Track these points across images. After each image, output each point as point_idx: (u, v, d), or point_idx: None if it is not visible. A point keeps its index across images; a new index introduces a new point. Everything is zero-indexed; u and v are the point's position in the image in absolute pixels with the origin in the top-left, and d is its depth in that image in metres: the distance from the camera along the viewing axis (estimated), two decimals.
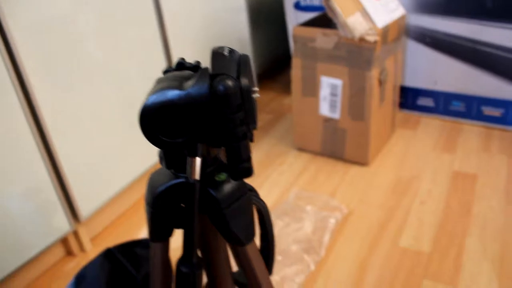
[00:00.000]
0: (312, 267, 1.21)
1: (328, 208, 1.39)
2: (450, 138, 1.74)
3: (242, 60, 0.47)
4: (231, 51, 0.48)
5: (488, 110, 1.77)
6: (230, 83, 0.43)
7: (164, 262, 0.58)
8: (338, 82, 1.50)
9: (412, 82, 1.87)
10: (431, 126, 1.83)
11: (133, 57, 1.35)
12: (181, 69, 0.48)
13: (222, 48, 0.48)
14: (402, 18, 1.57)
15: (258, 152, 1.75)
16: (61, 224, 1.24)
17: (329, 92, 1.54)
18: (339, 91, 1.52)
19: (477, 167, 1.56)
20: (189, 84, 0.44)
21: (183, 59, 0.49)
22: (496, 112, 1.75)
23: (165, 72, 0.49)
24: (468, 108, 1.80)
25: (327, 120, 1.60)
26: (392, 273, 1.18)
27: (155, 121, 0.45)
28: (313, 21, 1.59)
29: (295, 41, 1.54)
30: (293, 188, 1.52)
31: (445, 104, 1.84)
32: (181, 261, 0.49)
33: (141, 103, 0.46)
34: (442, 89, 1.82)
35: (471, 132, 1.77)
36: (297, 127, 1.70)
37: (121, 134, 1.35)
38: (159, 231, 0.56)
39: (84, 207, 1.28)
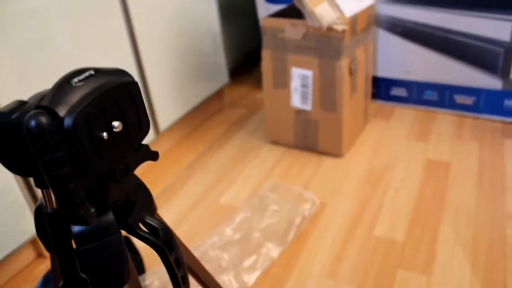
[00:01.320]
0: (274, 255, 1.19)
1: (301, 199, 1.37)
2: (423, 127, 1.74)
3: (104, 89, 0.41)
4: (90, 77, 0.42)
5: (460, 98, 1.77)
6: (40, 119, 0.37)
7: (57, 274, 0.53)
8: (309, 73, 1.48)
9: (385, 72, 1.86)
10: (404, 116, 1.83)
11: (99, 49, 1.31)
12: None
13: (78, 72, 0.42)
14: (371, 7, 1.55)
15: (231, 147, 1.72)
16: (31, 225, 1.20)
17: (300, 83, 1.52)
18: (310, 82, 1.50)
19: (450, 154, 1.56)
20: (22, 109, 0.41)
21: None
22: (468, 100, 1.75)
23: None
24: (441, 97, 1.80)
25: (299, 112, 1.58)
26: (367, 263, 1.16)
27: None
28: (282, 12, 1.57)
29: (264, 33, 1.51)
30: (266, 181, 1.49)
31: (418, 94, 1.84)
32: (63, 286, 0.45)
33: None
34: (415, 79, 1.82)
35: (444, 120, 1.77)
36: (269, 120, 1.68)
37: None
38: (49, 244, 0.51)
39: None
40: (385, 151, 1.61)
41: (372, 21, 1.61)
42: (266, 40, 1.53)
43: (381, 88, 1.90)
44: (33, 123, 0.37)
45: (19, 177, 1.14)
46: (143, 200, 0.49)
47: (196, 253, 0.54)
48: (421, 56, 1.76)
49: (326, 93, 1.49)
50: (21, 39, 1.10)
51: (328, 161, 1.59)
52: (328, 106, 1.51)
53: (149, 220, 0.48)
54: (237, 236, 1.23)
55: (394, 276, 1.12)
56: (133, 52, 1.43)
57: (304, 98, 1.54)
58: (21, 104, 0.41)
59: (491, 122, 1.73)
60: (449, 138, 1.65)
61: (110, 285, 0.45)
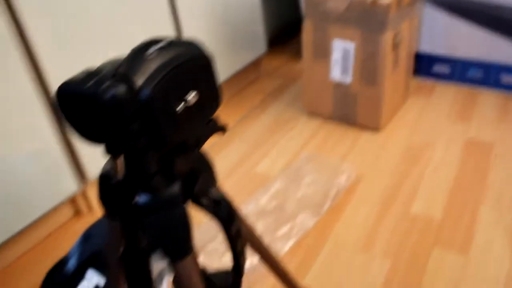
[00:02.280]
0: (309, 225, 1.18)
1: (337, 172, 1.36)
2: (465, 107, 1.69)
3: (178, 62, 0.40)
4: (164, 49, 0.41)
5: (507, 78, 1.70)
6: (118, 90, 0.37)
7: (118, 241, 0.57)
8: (351, 45, 1.45)
9: (428, 48, 1.80)
10: (446, 94, 1.78)
11: (138, 21, 1.30)
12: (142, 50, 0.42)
13: (152, 43, 0.41)
14: None
15: (267, 117, 1.71)
16: (69, 184, 1.22)
17: (341, 55, 1.49)
18: (352, 54, 1.46)
19: (493, 136, 1.51)
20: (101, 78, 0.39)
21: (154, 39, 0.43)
22: None
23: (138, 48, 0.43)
24: (486, 75, 1.74)
25: (339, 84, 1.55)
26: (402, 239, 1.15)
27: (68, 108, 0.40)
28: None
29: (306, 3, 1.48)
30: (302, 152, 1.48)
31: (462, 71, 1.78)
32: (124, 252, 0.49)
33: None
34: (460, 56, 1.76)
35: (488, 100, 1.71)
36: (307, 92, 1.66)
37: None
38: (110, 210, 0.53)
39: (92, 166, 1.26)
40: (424, 129, 1.57)
41: None
42: (307, 10, 1.49)
43: (423, 64, 1.85)
44: (110, 93, 0.36)
45: (60, 139, 1.16)
46: (206, 173, 0.49)
47: (252, 208, 0.55)
48: (468, 32, 1.70)
49: (368, 66, 1.46)
50: (61, 10, 1.10)
51: (365, 135, 1.56)
52: (368, 80, 1.48)
53: (212, 192, 0.49)
54: (272, 205, 1.23)
55: (429, 254, 1.10)
56: (172, 18, 1.42)
57: (344, 70, 1.51)
58: (92, 73, 0.40)
59: None
60: (492, 119, 1.60)
61: (175, 254, 0.46)
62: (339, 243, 1.15)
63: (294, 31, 2.33)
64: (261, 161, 1.47)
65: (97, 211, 1.33)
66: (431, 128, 1.57)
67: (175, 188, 0.44)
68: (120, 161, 0.44)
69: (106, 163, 0.48)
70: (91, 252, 1.11)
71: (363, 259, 1.10)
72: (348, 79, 1.52)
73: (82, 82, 0.39)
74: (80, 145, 1.22)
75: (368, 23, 1.38)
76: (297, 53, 2.18)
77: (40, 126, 1.11)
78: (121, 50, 1.27)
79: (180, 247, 0.46)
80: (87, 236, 1.14)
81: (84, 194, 1.31)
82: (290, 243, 1.14)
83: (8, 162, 1.07)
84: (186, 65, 0.40)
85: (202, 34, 1.55)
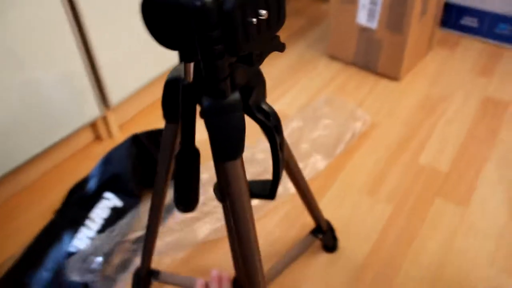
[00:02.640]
0: (321, 166, 1.24)
1: (353, 116, 1.40)
2: (489, 63, 1.68)
3: None
4: None
5: None
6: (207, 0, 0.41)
7: (173, 142, 0.63)
8: None
9: None
10: (471, 48, 1.76)
11: None
12: None
13: None
14: None
15: (290, 56, 1.72)
16: (92, 109, 1.28)
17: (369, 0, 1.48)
18: None
19: (511, 95, 1.52)
20: None
21: None
22: None
23: None
24: None
25: (364, 29, 1.55)
26: (407, 187, 1.20)
27: (151, 17, 0.45)
28: None
29: None
30: (321, 94, 1.51)
31: (490, 26, 1.76)
32: (180, 151, 0.54)
33: None
34: (490, 9, 1.73)
35: None
36: (332, 34, 1.66)
37: None
38: (170, 113, 0.59)
39: (114, 94, 1.31)
40: (443, 81, 1.58)
41: None
42: None
43: (451, 15, 1.82)
44: (201, 2, 0.41)
45: (86, 62, 1.19)
46: (259, 87, 0.54)
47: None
48: None
49: (395, 12, 1.45)
50: None
51: (384, 83, 1.58)
52: (394, 26, 1.48)
53: (263, 105, 0.54)
54: (287, 142, 1.28)
55: (431, 203, 1.16)
56: None
57: (371, 15, 1.51)
58: None
59: None
60: None
61: (229, 154, 0.52)
62: (347, 185, 1.21)
63: None
64: (281, 99, 1.50)
65: (117, 137, 1.39)
66: (451, 81, 1.58)
67: (236, 95, 0.49)
68: (191, 67, 0.49)
69: (172, 71, 0.54)
70: (111, 175, 1.19)
71: (368, 202, 1.16)
72: (374, 24, 1.52)
73: None
74: (106, 72, 1.25)
75: None
76: None
77: (68, 51, 1.15)
78: None
79: (235, 148, 0.51)
80: (108, 159, 1.22)
81: (105, 120, 1.36)
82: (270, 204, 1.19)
83: (36, 84, 1.11)
84: None
85: None
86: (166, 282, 0.96)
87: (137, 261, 1.04)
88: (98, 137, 1.39)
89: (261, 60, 0.50)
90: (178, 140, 0.62)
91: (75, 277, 1.00)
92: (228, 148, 0.51)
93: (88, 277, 1.00)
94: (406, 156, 1.29)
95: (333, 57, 1.71)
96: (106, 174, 1.18)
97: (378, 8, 1.47)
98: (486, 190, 1.19)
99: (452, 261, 1.03)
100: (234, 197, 0.56)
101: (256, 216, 1.06)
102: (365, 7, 1.50)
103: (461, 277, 1.00)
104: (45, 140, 1.20)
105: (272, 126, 0.54)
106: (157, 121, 1.42)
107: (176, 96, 0.53)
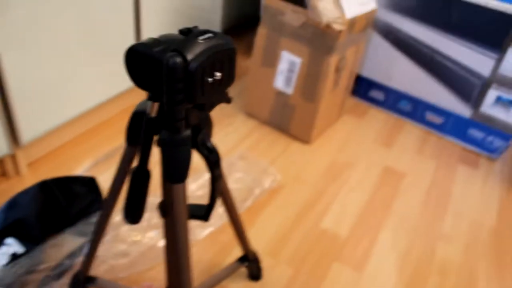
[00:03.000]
0: (225, 217, 1.29)
1: (264, 173, 1.46)
2: (391, 134, 1.83)
3: (216, 49, 0.58)
4: (210, 38, 0.58)
5: (431, 116, 1.86)
6: (177, 60, 0.54)
7: (130, 162, 0.74)
8: (298, 60, 1.54)
9: (368, 73, 1.93)
10: (376, 119, 1.92)
11: None
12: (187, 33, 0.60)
13: (203, 32, 0.58)
14: (372, 12, 1.61)
15: None
16: (0, 145, 1.23)
17: (287, 67, 1.58)
18: (297, 68, 1.55)
19: (407, 166, 1.66)
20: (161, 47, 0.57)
21: (195, 27, 0.61)
22: (437, 119, 1.85)
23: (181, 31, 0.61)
24: (414, 109, 1.89)
25: (280, 93, 1.64)
26: (308, 250, 1.26)
27: (132, 62, 0.59)
28: None
29: (264, 11, 1.55)
30: (236, 150, 1.56)
31: (394, 101, 1.93)
32: (135, 169, 0.67)
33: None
34: (395, 86, 1.90)
35: (411, 132, 1.87)
36: (250, 94, 1.73)
37: (81, 60, 1.34)
38: (131, 138, 0.71)
39: (26, 131, 1.27)
40: (350, 149, 1.70)
41: (370, 24, 1.66)
42: (264, 19, 1.56)
43: (362, 87, 1.98)
44: (172, 61, 0.54)
45: None
46: (207, 128, 0.68)
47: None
48: (405, 67, 1.84)
49: (309, 83, 1.55)
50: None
51: (295, 145, 1.66)
52: (307, 95, 1.58)
53: (208, 143, 0.67)
54: (199, 193, 1.31)
55: (329, 267, 1.22)
56: (133, 11, 1.45)
57: (287, 81, 1.60)
58: (156, 41, 0.58)
59: (453, 145, 1.84)
60: (410, 151, 1.75)
61: (176, 178, 0.65)
62: (252, 243, 1.25)
63: (249, 25, 2.39)
64: (195, 154, 1.53)
65: (24, 175, 1.34)
66: (356, 149, 1.70)
67: (188, 132, 0.62)
68: (156, 106, 0.61)
69: (139, 105, 0.66)
70: (14, 220, 1.14)
71: (269, 263, 1.20)
72: (290, 90, 1.61)
73: (150, 46, 0.57)
74: (18, 104, 1.21)
75: (317, 44, 1.47)
76: (249, 48, 2.24)
77: None
78: (79, 8, 1.28)
79: (182, 174, 0.64)
80: (12, 204, 1.17)
81: (13, 157, 1.31)
82: (208, 231, 1.24)
83: None
84: (222, 52, 0.58)
85: (159, 18, 1.58)
86: None
87: None
88: (3, 174, 1.33)
89: (211, 108, 0.64)
90: (134, 162, 0.72)
91: None
92: (177, 173, 0.64)
93: None
94: (309, 219, 1.36)
95: (250, 115, 1.78)
96: (9, 220, 1.13)
97: (295, 76, 1.57)
98: (380, 257, 1.28)
99: None
100: (176, 213, 0.68)
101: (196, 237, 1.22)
102: (283, 73, 1.59)
103: None
104: None
105: (213, 161, 0.67)
106: (71, 162, 1.40)
107: (139, 125, 0.65)
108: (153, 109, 0.62)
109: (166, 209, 0.71)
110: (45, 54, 1.23)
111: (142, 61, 0.57)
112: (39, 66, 1.23)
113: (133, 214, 0.71)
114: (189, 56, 0.55)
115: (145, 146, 0.65)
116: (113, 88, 1.51)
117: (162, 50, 0.56)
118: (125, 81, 1.52)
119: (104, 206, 0.84)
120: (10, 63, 1.15)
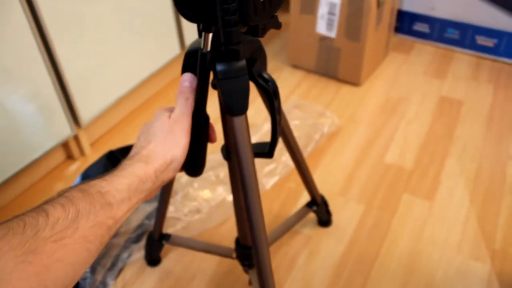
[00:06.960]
0: (292, 164, 1.29)
1: (322, 117, 1.46)
2: (441, 65, 1.78)
3: None
4: None
5: (481, 40, 1.79)
6: None
7: None
8: (337, 0, 1.51)
9: (410, 6, 1.87)
10: (424, 52, 1.86)
11: None
12: None
13: None
14: None
15: None
16: (62, 128, 1.27)
17: (327, 10, 1.55)
18: (337, 10, 1.53)
19: (464, 94, 1.62)
20: None
21: None
22: (489, 42, 1.78)
23: None
24: (462, 36, 1.82)
25: (323, 38, 1.62)
26: (375, 185, 1.26)
27: None
28: None
29: None
30: (288, 101, 1.56)
31: (440, 31, 1.86)
32: (193, 114, 0.64)
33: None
34: (439, 16, 1.83)
35: (463, 60, 1.81)
36: (293, 44, 1.72)
37: (123, 42, 1.36)
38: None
39: (85, 112, 1.32)
40: (401, 84, 1.67)
41: None
42: None
43: (404, 22, 1.92)
44: None
45: (54, 80, 1.19)
46: (261, 59, 0.66)
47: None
48: None
49: (352, 22, 1.52)
50: None
51: (346, 89, 1.65)
52: (352, 35, 1.55)
53: (264, 74, 0.65)
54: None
55: (399, 199, 1.22)
56: None
57: (329, 25, 1.58)
58: None
59: (509, 66, 1.77)
60: (465, 78, 1.70)
61: (236, 110, 0.64)
62: (319, 185, 1.26)
63: None
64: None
65: (89, 156, 1.39)
66: (408, 84, 1.67)
67: (243, 62, 0.61)
68: (209, 37, 0.60)
69: (192, 44, 0.65)
70: None
71: (339, 202, 1.21)
72: (333, 33, 1.58)
73: None
74: (75, 90, 1.26)
75: None
76: (285, 6, 2.22)
77: (35, 68, 1.15)
78: None
79: (241, 105, 0.63)
80: (85, 176, 1.22)
81: (76, 139, 1.36)
82: (274, 180, 1.26)
83: (3, 105, 1.11)
84: None
85: None
86: (177, 245, 1.07)
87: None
88: (70, 156, 1.39)
89: (264, 32, 0.62)
90: None
91: None
92: (236, 105, 0.63)
93: None
94: (372, 156, 1.35)
95: (295, 66, 1.76)
96: None
97: (336, 18, 1.54)
98: (449, 184, 1.26)
99: (423, 250, 1.09)
100: (240, 149, 0.66)
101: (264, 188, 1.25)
102: (324, 17, 1.57)
103: (432, 264, 1.06)
104: (16, 163, 1.19)
105: (271, 91, 0.64)
106: (129, 138, 1.44)
107: (194, 64, 0.63)
108: (207, 41, 0.60)
109: (230, 148, 0.69)
110: (91, 41, 1.27)
111: None
112: (87, 53, 1.27)
113: (194, 165, 0.67)
114: None
115: (201, 85, 0.63)
116: (156, 63, 1.53)
117: None
118: (166, 55, 1.55)
119: None
120: (64, 54, 1.20)
